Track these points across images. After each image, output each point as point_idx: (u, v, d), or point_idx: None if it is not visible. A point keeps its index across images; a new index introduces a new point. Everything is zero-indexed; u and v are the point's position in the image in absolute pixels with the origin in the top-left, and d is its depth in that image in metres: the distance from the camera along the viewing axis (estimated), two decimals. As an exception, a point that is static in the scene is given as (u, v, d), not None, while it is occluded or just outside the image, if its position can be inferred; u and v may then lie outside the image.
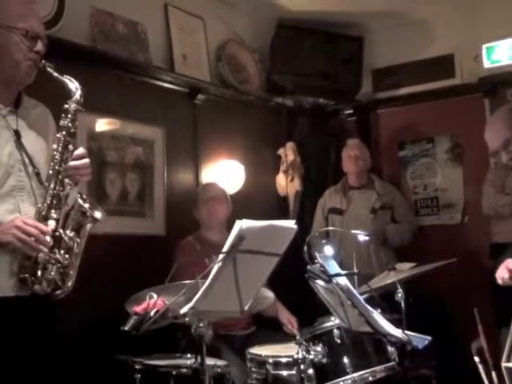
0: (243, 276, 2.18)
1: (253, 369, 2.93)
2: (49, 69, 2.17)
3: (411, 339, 2.35)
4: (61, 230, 2.12)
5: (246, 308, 2.28)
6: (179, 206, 4.14)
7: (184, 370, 2.67)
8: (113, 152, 3.77)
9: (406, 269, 3.34)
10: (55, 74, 2.19)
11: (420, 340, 2.39)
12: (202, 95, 4.33)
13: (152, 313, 2.17)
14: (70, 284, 2.14)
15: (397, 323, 2.57)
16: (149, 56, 4.05)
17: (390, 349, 2.64)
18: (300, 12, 4.86)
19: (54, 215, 2.11)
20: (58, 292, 2.12)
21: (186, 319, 2.23)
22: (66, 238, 2.13)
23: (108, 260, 3.59)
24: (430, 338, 2.42)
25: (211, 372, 2.59)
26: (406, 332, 2.39)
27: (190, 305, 2.15)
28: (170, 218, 4.05)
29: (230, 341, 3.42)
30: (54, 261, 2.08)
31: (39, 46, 2.17)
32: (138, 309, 2.24)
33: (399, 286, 3.08)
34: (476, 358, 2.57)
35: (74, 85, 2.24)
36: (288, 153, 4.99)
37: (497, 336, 2.96)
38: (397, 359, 2.56)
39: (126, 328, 2.19)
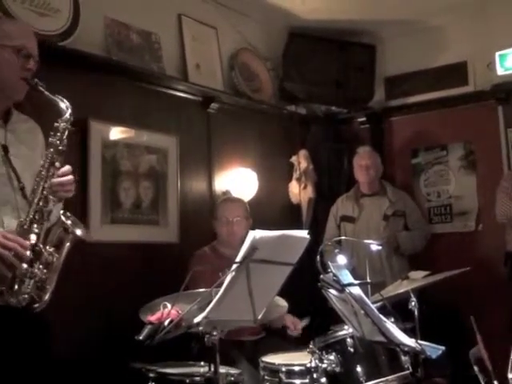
0: (256, 285, 2.19)
1: (266, 377, 2.93)
2: (40, 87, 2.22)
3: (425, 349, 2.34)
4: (41, 245, 2.14)
5: (260, 317, 2.29)
6: (193, 214, 4.16)
7: (197, 379, 2.68)
8: (127, 161, 3.80)
9: (419, 277, 3.33)
10: (46, 93, 2.24)
11: (433, 350, 2.38)
12: (215, 104, 4.36)
13: (166, 323, 2.18)
14: (46, 298, 2.15)
15: (410, 332, 2.56)
16: (162, 65, 4.09)
17: (404, 358, 2.64)
18: (312, 20, 4.89)
19: (36, 230, 2.14)
20: (36, 305, 2.13)
21: (200, 328, 2.24)
22: (45, 253, 2.15)
23: (122, 268, 3.62)
24: (443, 347, 2.41)
25: (224, 380, 2.60)
26: (420, 342, 2.38)
27: (204, 314, 2.16)
28: (184, 225, 4.07)
29: (240, 346, 3.43)
30: (31, 275, 2.09)
31: (31, 64, 2.23)
32: (152, 318, 2.26)
33: (413, 295, 3.08)
34: (475, 368, 2.55)
35: (64, 104, 2.27)
36: (301, 160, 5.00)
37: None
38: (410, 368, 2.56)
39: (141, 338, 2.21)
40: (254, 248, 2.09)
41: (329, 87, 4.97)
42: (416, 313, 3.05)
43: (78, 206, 3.48)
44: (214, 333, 2.28)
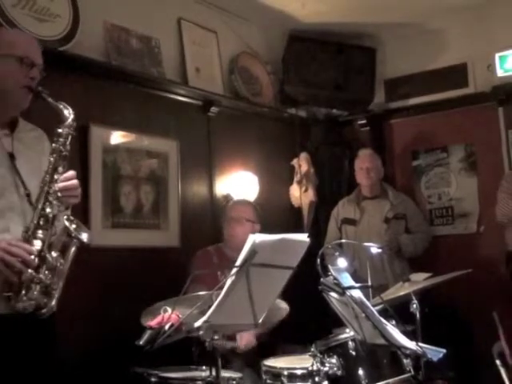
0: (257, 289, 2.19)
1: (268, 381, 2.92)
2: (43, 95, 2.25)
3: (425, 352, 2.34)
4: (46, 250, 2.15)
5: (260, 321, 2.29)
6: (193, 218, 4.16)
7: (199, 383, 2.68)
8: (127, 165, 3.80)
9: (420, 279, 3.32)
10: (49, 100, 2.26)
11: (434, 352, 2.37)
12: (215, 108, 4.37)
13: (166, 327, 2.18)
14: (53, 303, 2.16)
15: (412, 335, 2.56)
16: (162, 70, 4.09)
17: (405, 361, 2.63)
18: (312, 24, 4.89)
19: (41, 235, 2.15)
20: (44, 311, 2.14)
21: (201, 332, 2.24)
22: (50, 259, 2.15)
23: (123, 272, 3.61)
24: (444, 350, 2.40)
25: (226, 384, 2.60)
26: (421, 344, 2.38)
27: (204, 318, 2.16)
28: (185, 229, 4.07)
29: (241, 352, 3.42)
30: (37, 280, 2.10)
31: (34, 73, 2.25)
32: (153, 323, 2.26)
33: (414, 297, 3.08)
34: (498, 362, 2.55)
35: (67, 110, 2.30)
36: (302, 163, 5.00)
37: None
38: (412, 371, 2.55)
39: (141, 342, 2.21)
40: (253, 252, 2.09)
41: (329, 90, 4.97)
42: (417, 315, 3.04)
43: (79, 210, 3.48)
44: (215, 337, 2.28)
